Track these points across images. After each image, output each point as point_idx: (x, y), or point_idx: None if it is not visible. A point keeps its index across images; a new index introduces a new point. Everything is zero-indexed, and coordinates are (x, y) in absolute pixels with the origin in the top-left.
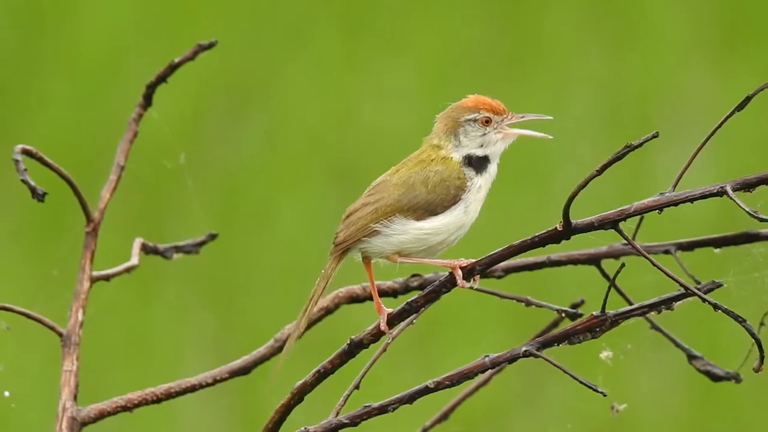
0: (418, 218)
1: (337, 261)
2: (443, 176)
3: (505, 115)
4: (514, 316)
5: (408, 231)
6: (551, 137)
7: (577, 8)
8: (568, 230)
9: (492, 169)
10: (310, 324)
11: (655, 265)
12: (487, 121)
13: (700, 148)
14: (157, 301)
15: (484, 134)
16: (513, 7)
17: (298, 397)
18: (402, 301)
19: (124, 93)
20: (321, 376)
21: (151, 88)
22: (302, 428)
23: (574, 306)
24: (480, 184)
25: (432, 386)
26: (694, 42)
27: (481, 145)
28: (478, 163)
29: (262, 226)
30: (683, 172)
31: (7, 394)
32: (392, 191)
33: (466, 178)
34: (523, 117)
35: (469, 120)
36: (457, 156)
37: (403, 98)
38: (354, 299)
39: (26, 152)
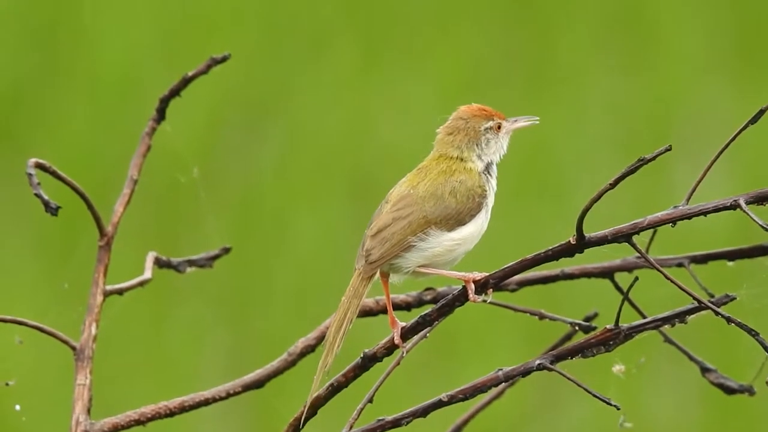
0: (450, 229)
1: (369, 279)
2: (468, 185)
3: (505, 118)
4: (527, 329)
5: (442, 243)
6: (537, 120)
7: (594, 25)
8: (582, 244)
9: (495, 170)
10: (323, 337)
11: (668, 278)
12: (499, 127)
13: (713, 162)
14: (173, 314)
15: (497, 141)
16: (531, 23)
17: (312, 410)
18: (415, 315)
19: (140, 107)
20: (334, 389)
21: (164, 102)
22: None
23: (588, 319)
24: (493, 187)
25: (446, 400)
26: (711, 59)
27: (497, 151)
28: (489, 169)
29: (279, 240)
30: (696, 186)
31: (17, 407)
32: (422, 204)
33: (485, 186)
34: (516, 120)
35: (488, 128)
36: (481, 165)
37: (421, 113)
38: (367, 313)
39: (39, 166)
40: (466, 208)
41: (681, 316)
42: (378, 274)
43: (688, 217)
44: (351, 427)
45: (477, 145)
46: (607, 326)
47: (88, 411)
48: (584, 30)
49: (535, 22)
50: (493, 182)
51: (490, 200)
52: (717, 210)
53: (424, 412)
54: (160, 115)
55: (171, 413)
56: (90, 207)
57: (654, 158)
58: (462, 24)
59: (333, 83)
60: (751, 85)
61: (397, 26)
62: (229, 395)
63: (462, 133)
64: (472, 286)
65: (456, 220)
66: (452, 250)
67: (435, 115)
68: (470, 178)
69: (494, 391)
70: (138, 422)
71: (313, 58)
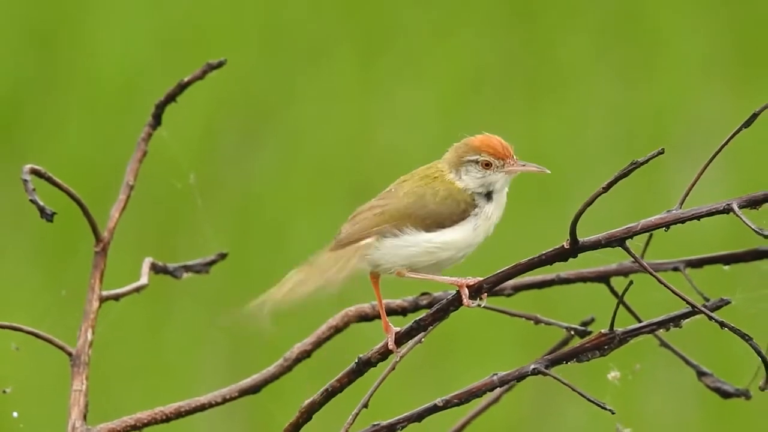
0: (427, 229)
1: (334, 253)
2: (450, 192)
3: (507, 160)
4: (523, 333)
5: (419, 243)
6: (548, 171)
7: (593, 32)
8: (576, 248)
9: (500, 198)
10: (320, 342)
11: (661, 282)
12: (487, 165)
13: (706, 166)
14: (169, 320)
15: (484, 176)
16: (530, 30)
17: (307, 416)
18: (411, 320)
19: (138, 113)
20: (329, 394)
21: (160, 108)
22: None
23: (584, 324)
24: (491, 213)
25: (441, 405)
26: (710, 65)
27: (482, 185)
28: (486, 195)
29: (277, 246)
30: (689, 190)
31: (15, 414)
32: (401, 198)
33: (475, 200)
34: (524, 165)
35: (471, 161)
36: (461, 185)
37: (420, 120)
38: (363, 317)
39: (35, 172)
40: (447, 211)
41: (676, 321)
42: (370, 278)
43: (682, 221)
44: None
45: (456, 171)
46: (602, 331)
47: (84, 417)
48: (584, 35)
49: (535, 28)
50: (493, 206)
51: (482, 220)
52: (710, 214)
53: (419, 417)
54: (156, 120)
55: (167, 419)
56: (86, 213)
57: (647, 161)
58: (461, 31)
59: (332, 90)
60: (750, 91)
61: (396, 33)
62: (225, 400)
63: (451, 154)
64: (466, 291)
65: (433, 221)
66: (431, 253)
67: (434, 122)
68: (452, 188)
69: (490, 395)
70: (134, 428)
71: (312, 65)
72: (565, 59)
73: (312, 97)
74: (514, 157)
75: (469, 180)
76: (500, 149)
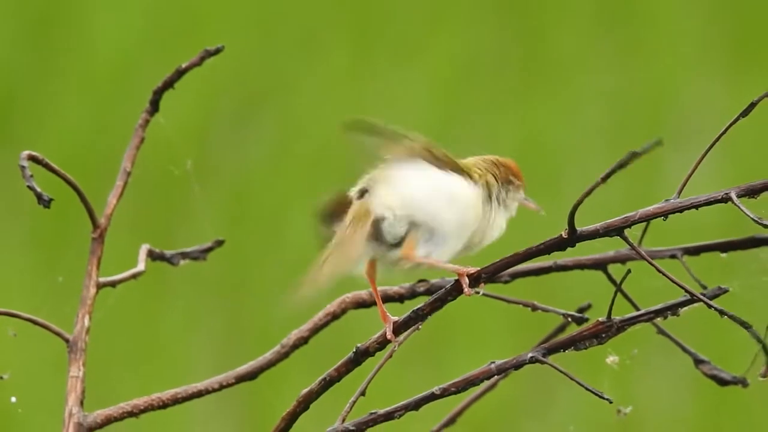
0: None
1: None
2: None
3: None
4: (520, 320)
5: (431, 174)
6: (542, 211)
7: (587, 19)
8: (574, 238)
9: (502, 211)
10: (317, 329)
11: (659, 270)
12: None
13: (704, 155)
14: (165, 307)
15: (506, 199)
16: (524, 18)
17: (304, 404)
18: (408, 307)
19: (134, 100)
20: (327, 384)
21: (157, 94)
22: None
23: (581, 310)
24: (495, 218)
25: (438, 393)
26: (705, 52)
27: (507, 209)
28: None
29: (272, 233)
30: (687, 180)
31: (13, 399)
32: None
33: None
34: (526, 200)
35: (513, 185)
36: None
37: (414, 107)
38: (361, 304)
39: (32, 158)
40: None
41: (674, 309)
42: (366, 272)
43: (680, 210)
44: (344, 421)
45: (498, 191)
46: (600, 319)
47: (81, 403)
48: (577, 23)
49: (528, 15)
50: (497, 208)
51: (488, 208)
52: (708, 203)
53: (416, 405)
54: (154, 107)
55: (164, 405)
56: (83, 199)
57: (645, 152)
58: (455, 17)
59: (326, 76)
60: (745, 79)
61: (390, 20)
62: (222, 387)
63: (498, 170)
64: (466, 279)
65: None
66: (439, 189)
67: (428, 108)
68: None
69: (487, 383)
70: (131, 414)
71: (307, 51)
72: (558, 46)
73: (307, 83)
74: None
75: (508, 201)
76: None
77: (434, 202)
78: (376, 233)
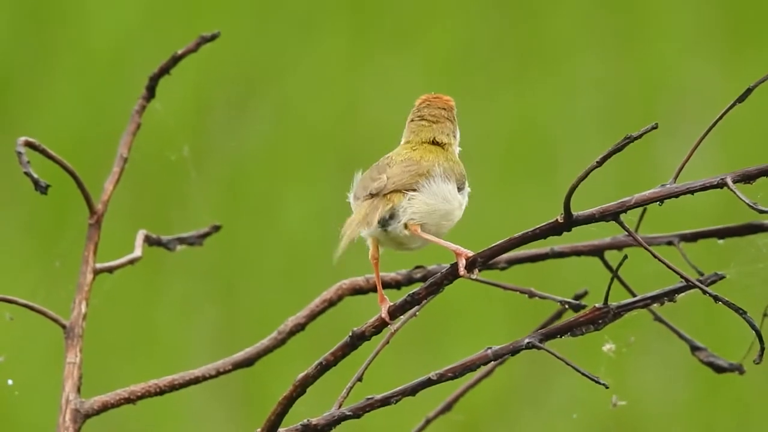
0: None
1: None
2: (458, 167)
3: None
4: (517, 307)
5: (446, 189)
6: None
7: (582, 4)
8: (569, 222)
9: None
10: (313, 316)
11: (656, 257)
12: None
13: (701, 140)
14: (162, 293)
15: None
16: (519, 4)
17: (301, 389)
18: (405, 293)
19: (130, 85)
20: (323, 368)
21: (154, 80)
22: (305, 420)
23: (578, 297)
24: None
25: (435, 378)
26: (700, 37)
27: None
28: None
29: (267, 219)
30: (683, 165)
31: (10, 382)
32: (430, 162)
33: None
34: None
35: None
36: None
37: (409, 93)
38: (357, 291)
39: (29, 144)
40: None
41: (670, 295)
42: (370, 256)
43: (675, 195)
44: (340, 406)
45: (454, 133)
46: (596, 305)
47: (78, 389)
48: (573, 8)
49: (524, 1)
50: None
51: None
52: (704, 188)
53: (413, 390)
54: (150, 93)
55: (161, 391)
56: (80, 185)
57: (640, 136)
58: (450, 4)
59: (322, 62)
60: (739, 64)
61: (387, 6)
62: (219, 373)
63: (448, 118)
64: (463, 261)
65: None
66: (448, 201)
67: (423, 94)
68: (457, 163)
69: (483, 369)
70: (128, 400)
71: (303, 37)
72: (553, 32)
73: (303, 69)
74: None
75: (457, 137)
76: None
77: (442, 217)
78: (383, 221)
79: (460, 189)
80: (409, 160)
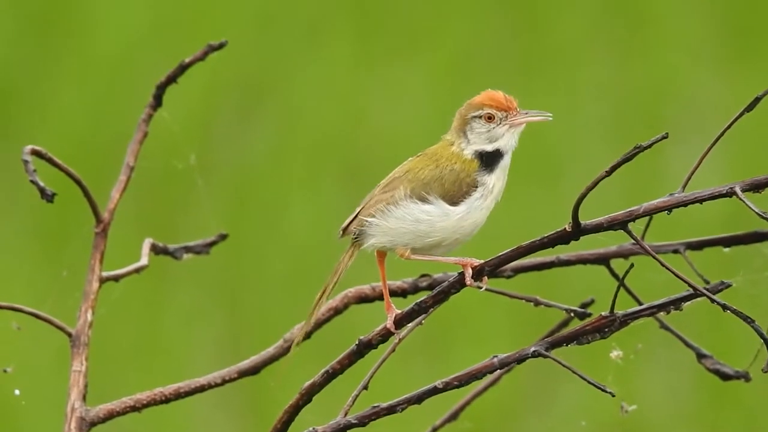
0: (422, 199)
1: (350, 255)
2: (458, 175)
3: (510, 112)
4: (523, 315)
5: (412, 212)
6: (551, 116)
7: (588, 10)
8: (577, 231)
9: (505, 161)
10: (319, 324)
11: (663, 265)
12: (490, 118)
13: (709, 149)
14: (168, 301)
15: (489, 130)
16: (524, 10)
17: (307, 397)
18: (411, 302)
19: (135, 94)
20: (330, 376)
21: (161, 89)
22: (311, 428)
23: (584, 306)
24: (493, 184)
25: (441, 387)
26: (705, 44)
27: (489, 141)
28: (490, 160)
29: (273, 226)
30: (692, 174)
31: (17, 392)
32: (405, 185)
33: (477, 179)
34: (527, 113)
35: (475, 117)
36: (469, 152)
37: (414, 99)
38: (363, 299)
39: (35, 153)
40: (449, 194)
41: (676, 303)
42: (376, 259)
43: (684, 204)
44: (346, 414)
45: (464, 132)
46: (603, 313)
47: (84, 397)
48: (577, 15)
49: (528, 8)
50: (495, 176)
51: (483, 197)
52: (713, 197)
53: (419, 398)
54: (157, 101)
55: (167, 399)
56: (86, 194)
57: (650, 146)
58: (455, 10)
59: (327, 69)
60: (744, 72)
61: (391, 12)
62: (224, 381)
63: (455, 118)
64: (470, 270)
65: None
66: (421, 222)
67: (428, 101)
68: (462, 168)
69: (489, 377)
70: (134, 408)
71: (308, 44)
72: (558, 40)
73: (308, 76)
74: (518, 109)
75: (476, 138)
76: (503, 101)
77: (426, 235)
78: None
79: (455, 201)
80: (389, 183)
